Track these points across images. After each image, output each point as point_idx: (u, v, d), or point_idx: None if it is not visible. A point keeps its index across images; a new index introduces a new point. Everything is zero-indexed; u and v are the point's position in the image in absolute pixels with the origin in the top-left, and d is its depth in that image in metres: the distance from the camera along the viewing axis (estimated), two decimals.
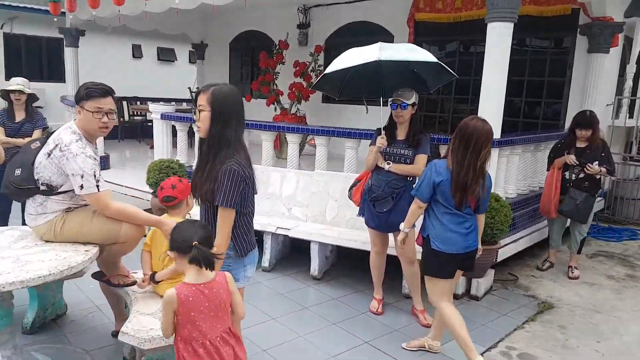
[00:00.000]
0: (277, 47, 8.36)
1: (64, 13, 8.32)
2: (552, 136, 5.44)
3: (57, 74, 12.69)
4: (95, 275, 3.05)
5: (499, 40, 4.11)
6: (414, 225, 3.66)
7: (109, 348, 3.17)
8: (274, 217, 4.80)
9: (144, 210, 2.89)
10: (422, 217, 3.14)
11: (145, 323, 2.54)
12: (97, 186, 2.61)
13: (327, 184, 4.70)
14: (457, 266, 3.04)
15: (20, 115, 4.61)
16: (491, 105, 4.19)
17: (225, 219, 2.13)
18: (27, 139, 4.13)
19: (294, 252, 4.99)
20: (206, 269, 1.98)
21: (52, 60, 13.03)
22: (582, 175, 4.63)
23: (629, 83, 7.14)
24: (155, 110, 5.98)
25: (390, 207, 3.54)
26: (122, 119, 10.27)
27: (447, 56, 7.87)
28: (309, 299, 4.13)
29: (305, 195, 4.81)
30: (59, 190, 2.68)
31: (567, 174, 4.73)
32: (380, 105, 3.61)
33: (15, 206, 4.28)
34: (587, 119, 4.61)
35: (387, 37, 7.79)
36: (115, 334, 3.11)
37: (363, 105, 3.95)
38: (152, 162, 5.44)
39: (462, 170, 2.79)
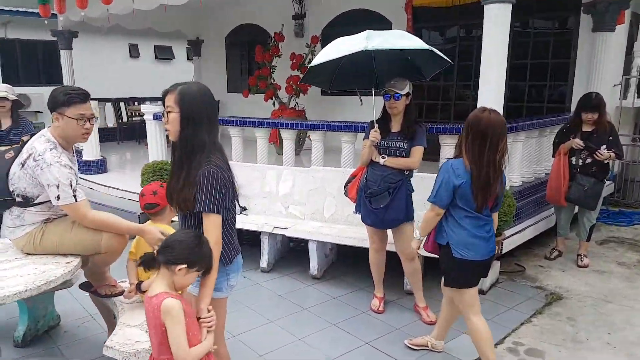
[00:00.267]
0: (273, 39, 8.20)
1: (55, 15, 8.22)
2: (557, 120, 5.24)
3: (55, 78, 12.59)
4: (82, 286, 2.96)
5: (497, 23, 3.91)
6: (412, 220, 3.53)
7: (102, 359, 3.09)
8: (270, 217, 4.70)
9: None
10: (416, 210, 2.98)
11: (131, 336, 2.44)
12: (75, 196, 2.50)
13: (325, 181, 4.56)
14: (482, 273, 2.84)
15: (6, 123, 4.48)
16: (491, 91, 4.01)
17: (212, 226, 2.00)
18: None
19: (293, 250, 4.89)
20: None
21: (50, 65, 12.92)
22: (589, 160, 4.46)
23: (637, 62, 6.89)
24: (147, 111, 5.89)
25: (386, 203, 3.40)
26: (120, 121, 10.20)
27: (447, 42, 7.66)
28: (309, 300, 4.02)
29: (303, 192, 4.68)
30: (36, 201, 2.58)
31: (573, 159, 4.55)
32: (374, 96, 3.45)
33: None
34: (593, 102, 4.42)
35: (385, 25, 7.58)
36: None
37: (365, 96, 3.77)
38: (145, 164, 5.35)
39: (482, 169, 2.57)
